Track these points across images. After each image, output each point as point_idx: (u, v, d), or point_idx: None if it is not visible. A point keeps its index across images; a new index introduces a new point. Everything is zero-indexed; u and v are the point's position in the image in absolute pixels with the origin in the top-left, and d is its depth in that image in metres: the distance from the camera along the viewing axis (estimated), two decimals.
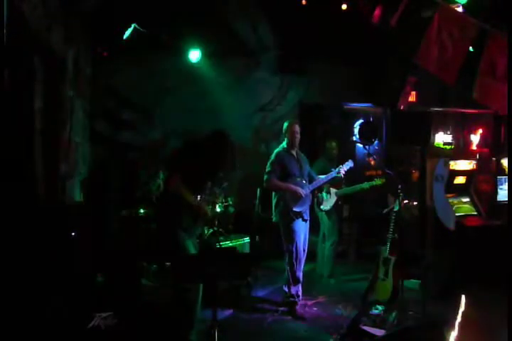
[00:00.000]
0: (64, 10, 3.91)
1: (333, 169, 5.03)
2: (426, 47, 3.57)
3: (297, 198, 4.58)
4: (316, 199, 5.58)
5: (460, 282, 4.94)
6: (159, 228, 3.87)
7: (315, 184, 4.88)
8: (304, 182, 4.74)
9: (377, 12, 3.89)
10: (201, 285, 3.56)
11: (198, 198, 3.63)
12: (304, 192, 4.60)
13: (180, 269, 3.32)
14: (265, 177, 4.66)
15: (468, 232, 5.47)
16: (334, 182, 5.45)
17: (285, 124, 4.82)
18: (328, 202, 5.58)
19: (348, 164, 5.07)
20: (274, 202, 4.75)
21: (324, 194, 5.61)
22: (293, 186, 4.60)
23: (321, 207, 5.57)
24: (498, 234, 5.26)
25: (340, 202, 5.75)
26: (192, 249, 3.59)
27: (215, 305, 2.86)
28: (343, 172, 4.98)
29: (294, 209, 4.59)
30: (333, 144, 5.90)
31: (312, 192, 4.92)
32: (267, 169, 4.68)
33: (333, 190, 5.57)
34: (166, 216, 3.63)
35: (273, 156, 4.73)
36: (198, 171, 3.60)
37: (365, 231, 6.95)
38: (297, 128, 4.74)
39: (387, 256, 4.64)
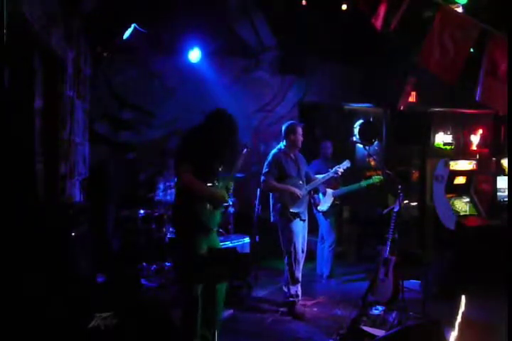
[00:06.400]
0: (64, 10, 3.90)
1: (330, 169, 5.03)
2: (427, 48, 3.57)
3: (294, 199, 4.58)
4: (312, 201, 5.57)
5: (460, 282, 4.95)
6: (177, 232, 3.74)
7: (312, 184, 4.88)
8: (301, 182, 4.74)
9: (379, 16, 3.87)
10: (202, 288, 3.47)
11: (213, 185, 3.48)
12: (301, 192, 4.60)
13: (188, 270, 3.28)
14: (262, 178, 4.66)
15: (469, 232, 5.49)
16: (331, 183, 5.45)
17: (286, 125, 4.79)
18: (325, 202, 5.57)
19: (345, 164, 5.06)
20: (271, 202, 4.75)
21: (320, 195, 5.61)
22: (290, 187, 4.60)
23: (318, 208, 5.56)
24: (498, 234, 5.27)
25: (337, 202, 5.74)
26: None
27: (215, 305, 2.86)
28: (340, 172, 4.98)
29: (292, 209, 4.58)
30: (328, 144, 5.91)
31: (309, 193, 4.91)
32: (264, 170, 4.68)
33: (329, 191, 5.56)
34: (183, 217, 3.48)
35: (270, 157, 4.73)
36: (206, 156, 3.43)
37: (365, 231, 6.96)
38: (301, 130, 4.74)
39: (387, 256, 4.63)
